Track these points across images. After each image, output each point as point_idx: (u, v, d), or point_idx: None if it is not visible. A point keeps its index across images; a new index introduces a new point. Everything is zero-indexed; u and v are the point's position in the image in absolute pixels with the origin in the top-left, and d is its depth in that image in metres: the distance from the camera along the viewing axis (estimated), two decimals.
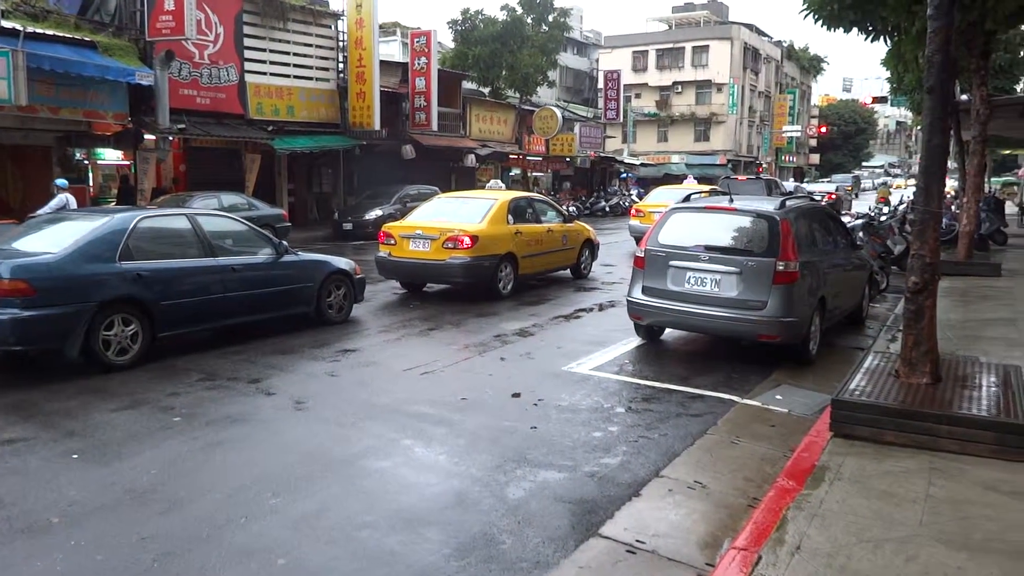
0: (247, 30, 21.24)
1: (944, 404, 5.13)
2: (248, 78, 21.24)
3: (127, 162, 19.64)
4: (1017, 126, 20.68)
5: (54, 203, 13.79)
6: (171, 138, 18.67)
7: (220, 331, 8.36)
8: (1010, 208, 29.02)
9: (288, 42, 22.66)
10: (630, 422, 5.84)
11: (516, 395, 6.47)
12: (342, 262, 9.58)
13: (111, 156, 19.87)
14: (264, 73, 21.87)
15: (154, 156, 18.80)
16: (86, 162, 19.83)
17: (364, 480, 4.68)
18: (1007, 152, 38.50)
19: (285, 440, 5.40)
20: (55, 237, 7.15)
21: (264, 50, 21.88)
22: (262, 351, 7.95)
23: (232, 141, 20.99)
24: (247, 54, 21.22)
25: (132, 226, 7.31)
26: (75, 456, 5.02)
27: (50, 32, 16.06)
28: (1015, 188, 41.21)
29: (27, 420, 5.70)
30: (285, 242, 9.01)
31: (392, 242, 11.25)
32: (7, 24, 14.85)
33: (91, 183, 19.97)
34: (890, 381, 5.62)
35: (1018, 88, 27.17)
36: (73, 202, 14.13)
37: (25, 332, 6.47)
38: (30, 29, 15.38)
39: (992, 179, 34.27)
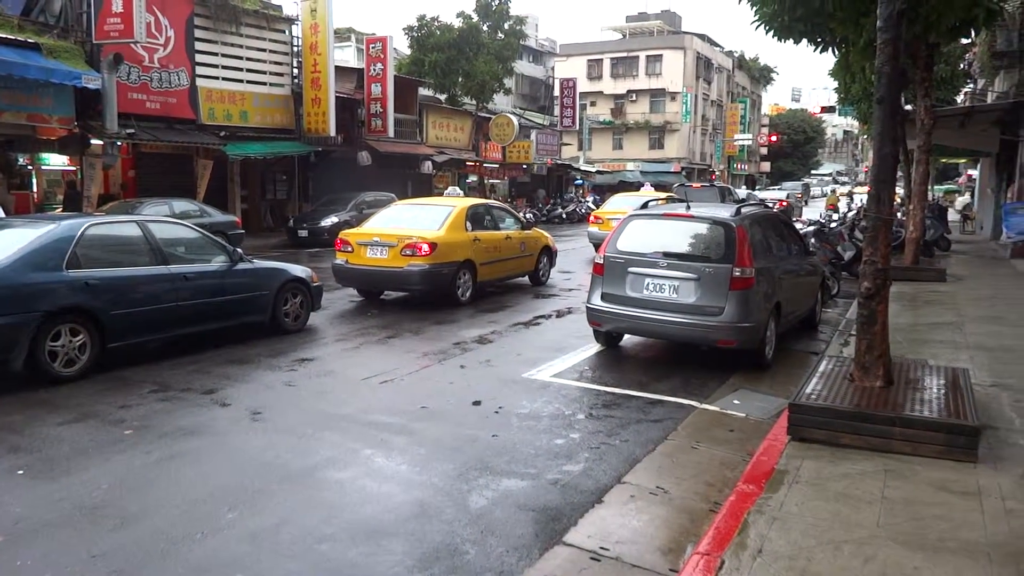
0: (199, 34, 20.88)
1: (896, 406, 5.24)
2: (200, 82, 20.87)
3: (73, 167, 19.13)
4: (957, 136, 21.41)
5: None
6: (119, 143, 18.22)
7: (173, 341, 8.14)
8: (952, 215, 29.96)
9: (241, 46, 22.33)
10: (591, 428, 5.85)
11: (477, 403, 6.44)
12: (298, 269, 9.44)
13: (56, 161, 19.34)
14: (216, 78, 21.52)
15: (100, 161, 18.32)
16: (30, 167, 19.26)
17: (323, 492, 4.60)
18: (948, 161, 39.78)
19: (242, 452, 5.28)
20: None
21: (216, 54, 21.54)
22: (216, 361, 7.77)
23: (183, 146, 20.59)
24: (199, 58, 20.86)
25: (80, 233, 7.10)
26: (20, 472, 4.84)
27: None
28: (956, 195, 42.63)
29: None
30: (239, 249, 8.84)
31: (349, 249, 11.12)
32: None
33: (35, 189, 19.41)
34: (844, 384, 5.73)
35: (958, 99, 28.16)
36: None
37: None
38: None
39: (935, 187, 35.36)
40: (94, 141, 17.93)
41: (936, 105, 16.41)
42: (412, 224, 11.26)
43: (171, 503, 4.39)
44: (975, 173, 36.91)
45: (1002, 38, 18.68)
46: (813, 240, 12.87)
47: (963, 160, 39.83)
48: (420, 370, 7.58)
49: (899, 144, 5.76)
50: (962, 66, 25.27)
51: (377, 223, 11.75)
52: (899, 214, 19.42)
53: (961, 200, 35.38)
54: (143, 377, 7.11)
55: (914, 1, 10.36)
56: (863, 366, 5.75)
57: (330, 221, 20.72)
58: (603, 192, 44.87)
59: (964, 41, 23.40)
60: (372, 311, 10.91)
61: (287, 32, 24.03)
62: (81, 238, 7.09)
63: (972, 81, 27.70)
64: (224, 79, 21.78)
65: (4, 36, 15.78)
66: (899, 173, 21.51)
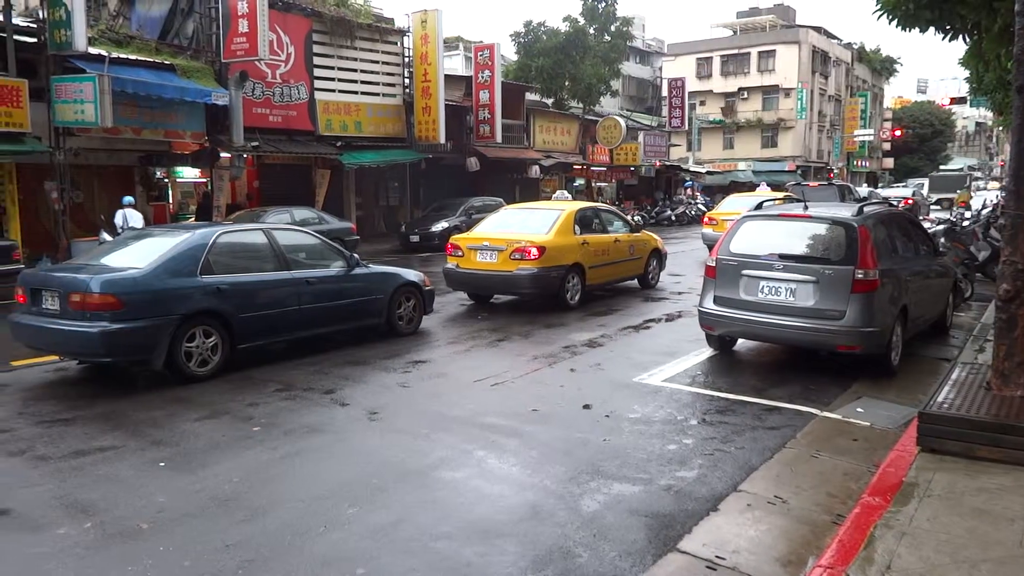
0: (316, 49, 21.83)
1: None
2: (317, 95, 21.81)
3: (203, 179, 20.38)
4: None
5: (120, 220, 14.79)
6: (245, 155, 19.29)
7: (294, 343, 8.55)
8: None
9: (356, 59, 23.18)
10: (705, 435, 5.73)
11: (587, 407, 6.43)
12: (411, 274, 9.71)
13: (189, 174, 20.67)
14: (333, 90, 22.42)
15: (228, 173, 19.45)
16: (166, 180, 20.67)
17: (438, 491, 4.71)
18: None
19: (360, 450, 5.48)
20: (140, 253, 7.45)
21: (332, 68, 22.45)
22: (335, 362, 8.10)
23: (303, 157, 21.58)
24: (316, 72, 21.80)
25: (212, 241, 7.56)
26: (162, 464, 5.20)
27: (133, 57, 16.85)
28: None
29: (116, 429, 5.94)
30: (356, 255, 9.18)
31: (460, 253, 11.35)
32: (94, 50, 15.63)
33: (171, 200, 20.81)
34: (981, 393, 5.38)
35: None
36: (137, 217, 15.18)
37: (114, 344, 6.74)
38: (115, 54, 16.15)
39: None
40: (223, 154, 19.06)
41: None
42: (521, 228, 11.36)
43: (296, 497, 4.61)
44: None
45: None
46: (943, 240, 12.13)
47: None
48: (530, 373, 7.63)
49: None
50: None
51: (486, 227, 11.93)
52: None
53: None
54: (269, 377, 7.49)
55: None
56: (1002, 374, 5.38)
57: (440, 226, 21.21)
58: (713, 193, 43.80)
59: None
60: (482, 314, 11.08)
61: (399, 44, 24.78)
62: (213, 246, 7.55)
63: None
64: (340, 91, 22.67)
65: (144, 59, 17.06)
66: None
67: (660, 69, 57.05)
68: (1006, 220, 5.42)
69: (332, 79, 22.43)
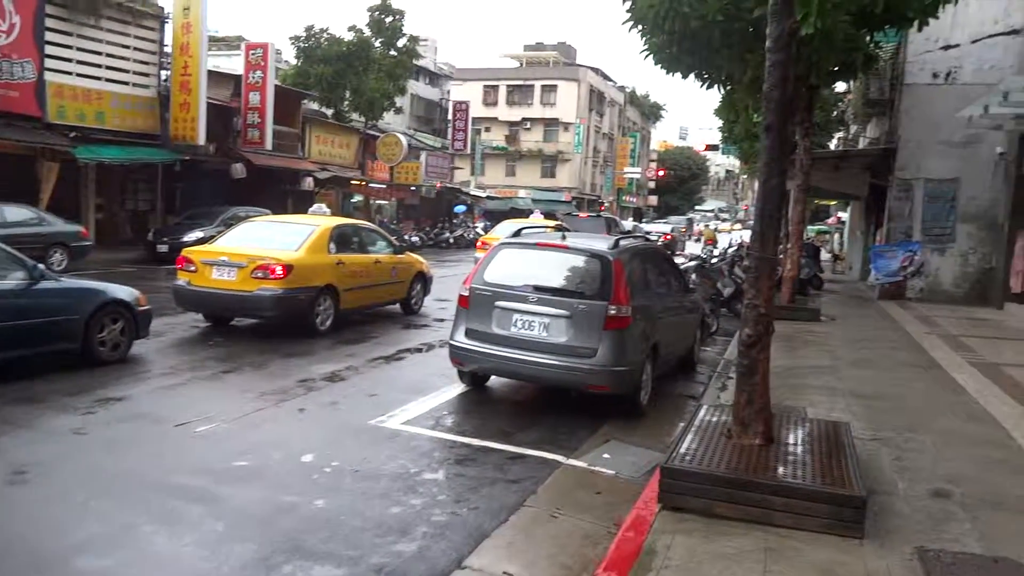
0: (50, 23, 18.87)
1: (777, 472, 4.66)
2: (48, 76, 18.83)
3: None
4: (831, 178, 22.12)
5: None
6: None
7: None
8: (824, 255, 31.10)
9: (101, 41, 20.43)
10: (436, 493, 4.98)
11: (308, 458, 5.45)
12: (122, 291, 8.15)
13: None
14: (69, 73, 19.54)
15: None
16: None
17: None
18: (820, 202, 41.65)
19: None
20: None
21: (71, 47, 19.59)
22: None
23: (25, 146, 18.48)
24: (49, 50, 18.82)
25: None
26: None
27: None
28: (827, 236, 44.77)
29: None
30: (41, 265, 7.48)
31: (192, 268, 9.86)
32: None
33: None
34: (722, 442, 5.14)
35: (831, 144, 29.45)
36: None
37: None
38: None
39: (808, 227, 36.83)
40: None
41: (812, 148, 16.72)
42: (267, 243, 10.10)
43: None
44: (845, 215, 38.77)
45: (875, 87, 19.40)
46: (694, 276, 12.58)
47: (833, 203, 41.81)
48: (251, 414, 6.48)
49: (786, 176, 5.29)
50: (835, 113, 26.43)
51: (228, 241, 10.50)
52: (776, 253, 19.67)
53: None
54: None
55: (797, 41, 10.26)
56: (742, 421, 5.19)
57: (194, 236, 19.02)
58: (496, 218, 44.41)
59: (839, 89, 24.39)
60: (215, 339, 9.65)
61: (157, 30, 22.28)
62: None
63: (844, 127, 29.04)
64: (79, 75, 19.82)
65: None
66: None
67: (448, 92, 57.33)
68: (751, 262, 5.28)
69: (70, 60, 19.54)
